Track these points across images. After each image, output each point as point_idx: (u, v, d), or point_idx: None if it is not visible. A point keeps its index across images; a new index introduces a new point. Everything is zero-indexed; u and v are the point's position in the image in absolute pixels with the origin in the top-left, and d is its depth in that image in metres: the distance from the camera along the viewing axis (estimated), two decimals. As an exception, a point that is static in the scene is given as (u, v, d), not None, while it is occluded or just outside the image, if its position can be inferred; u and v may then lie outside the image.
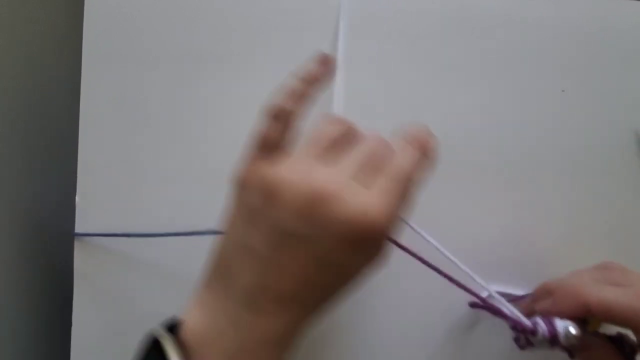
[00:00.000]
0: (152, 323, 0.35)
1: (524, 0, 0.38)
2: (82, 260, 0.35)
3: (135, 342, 0.35)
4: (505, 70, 0.37)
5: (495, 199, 0.36)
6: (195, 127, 0.36)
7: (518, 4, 0.38)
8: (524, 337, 0.29)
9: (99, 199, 0.36)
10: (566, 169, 0.37)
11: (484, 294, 0.30)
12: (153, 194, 0.36)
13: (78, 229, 0.35)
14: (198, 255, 0.35)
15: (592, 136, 0.37)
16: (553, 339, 0.27)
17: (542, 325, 0.28)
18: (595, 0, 0.38)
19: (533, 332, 0.28)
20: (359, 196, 0.21)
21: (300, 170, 0.22)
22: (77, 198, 0.35)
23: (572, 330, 0.27)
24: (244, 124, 0.37)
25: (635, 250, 0.36)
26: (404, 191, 0.22)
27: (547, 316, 0.28)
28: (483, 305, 0.30)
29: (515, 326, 0.29)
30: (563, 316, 0.28)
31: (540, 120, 0.37)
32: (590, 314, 0.28)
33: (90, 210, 0.36)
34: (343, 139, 0.24)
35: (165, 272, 0.35)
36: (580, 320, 0.28)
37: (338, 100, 0.31)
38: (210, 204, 0.36)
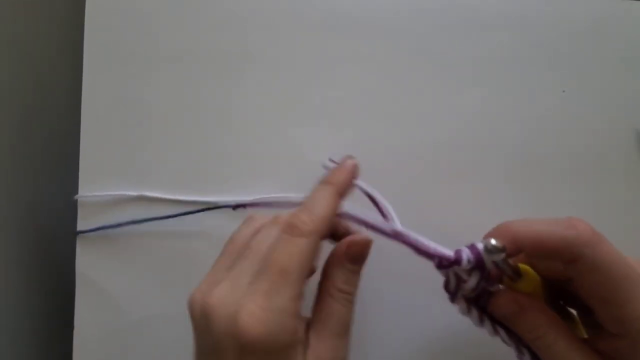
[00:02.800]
0: (155, 323, 0.36)
1: (524, 0, 0.38)
2: (84, 260, 0.35)
3: (137, 341, 0.36)
4: (505, 70, 0.37)
5: (495, 199, 0.37)
6: (198, 128, 0.36)
7: (518, 3, 0.38)
8: (453, 277, 0.25)
9: (101, 199, 0.36)
10: (566, 168, 0.37)
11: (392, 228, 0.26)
12: (155, 194, 0.36)
13: (80, 226, 0.35)
14: (200, 255, 0.36)
15: (592, 136, 0.37)
16: (479, 263, 0.24)
17: (464, 250, 0.25)
18: (595, 0, 0.38)
19: (458, 261, 0.24)
20: (231, 306, 0.22)
21: (203, 288, 0.25)
22: (78, 197, 0.36)
23: (492, 241, 0.23)
24: (246, 124, 0.37)
25: (635, 250, 0.36)
26: (284, 280, 0.23)
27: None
28: (398, 239, 0.26)
29: (440, 261, 0.25)
30: None
31: (540, 120, 0.37)
32: (521, 250, 0.24)
33: (92, 210, 0.36)
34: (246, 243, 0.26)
35: (168, 272, 0.36)
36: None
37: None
38: (213, 204, 0.36)
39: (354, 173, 0.28)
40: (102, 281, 0.35)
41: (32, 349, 0.39)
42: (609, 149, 0.37)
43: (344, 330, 0.25)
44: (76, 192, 0.36)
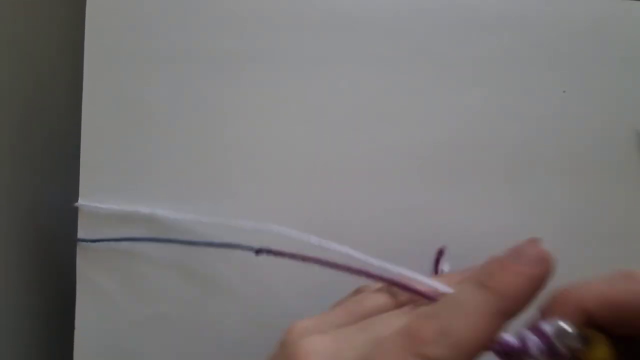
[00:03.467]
0: (155, 323, 0.36)
1: (524, 0, 0.38)
2: (85, 262, 0.35)
3: (137, 341, 0.36)
4: (505, 70, 0.37)
5: (495, 199, 0.37)
6: (200, 128, 0.36)
7: (518, 3, 0.38)
8: None
9: (101, 202, 0.36)
10: (566, 168, 0.37)
11: None
12: (156, 195, 0.36)
13: (80, 233, 0.35)
14: (201, 258, 0.36)
15: (593, 136, 0.37)
16: (550, 348, 0.20)
17: (530, 336, 0.20)
18: (595, 0, 0.38)
19: (524, 349, 0.20)
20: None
21: (308, 325, 0.21)
22: (79, 200, 0.36)
23: (564, 325, 0.19)
24: (246, 124, 0.37)
25: (635, 250, 0.36)
26: None
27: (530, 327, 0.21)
28: None
29: (501, 348, 0.20)
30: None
31: (540, 120, 0.37)
32: (591, 320, 0.20)
33: (93, 214, 0.36)
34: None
35: (168, 272, 0.36)
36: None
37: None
38: (214, 205, 0.36)
39: (541, 286, 0.19)
40: (102, 282, 0.35)
41: (32, 349, 0.39)
42: (609, 149, 0.37)
43: None
44: (76, 192, 0.36)
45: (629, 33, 0.38)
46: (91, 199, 0.36)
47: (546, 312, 0.20)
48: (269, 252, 0.27)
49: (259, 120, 0.37)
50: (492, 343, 0.19)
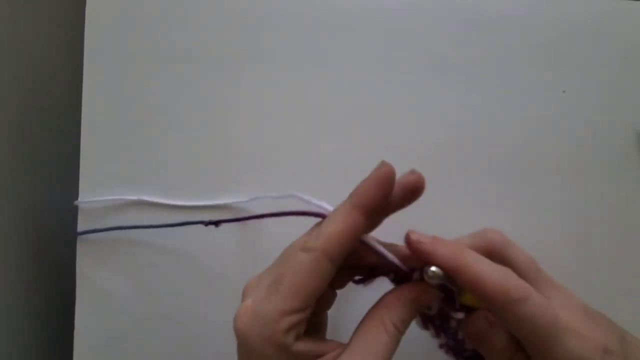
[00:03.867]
0: (155, 323, 0.36)
1: (523, 0, 0.38)
2: (85, 261, 0.35)
3: (138, 341, 0.36)
4: (505, 70, 0.37)
5: (494, 199, 0.37)
6: (199, 127, 0.36)
7: (518, 3, 0.38)
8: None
9: (101, 200, 0.36)
10: (566, 168, 0.37)
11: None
12: (156, 195, 0.36)
13: (80, 229, 0.35)
14: (200, 257, 0.36)
15: (592, 136, 0.37)
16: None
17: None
18: (595, 0, 0.38)
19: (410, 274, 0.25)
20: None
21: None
22: (79, 198, 0.36)
23: (433, 268, 0.24)
24: (246, 124, 0.37)
25: (635, 250, 0.36)
26: (275, 291, 0.23)
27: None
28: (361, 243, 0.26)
29: (396, 272, 0.26)
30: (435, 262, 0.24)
31: (540, 120, 0.37)
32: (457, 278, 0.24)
33: (92, 211, 0.36)
34: None
35: (168, 271, 0.36)
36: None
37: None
38: (214, 203, 0.36)
39: (383, 184, 0.24)
40: (102, 281, 0.35)
41: (32, 349, 0.39)
42: (609, 149, 0.37)
43: None
44: (76, 192, 0.36)
45: (629, 33, 0.38)
46: (91, 198, 0.36)
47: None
48: (218, 222, 0.30)
49: (258, 120, 0.37)
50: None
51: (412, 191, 0.25)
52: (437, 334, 0.28)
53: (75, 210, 0.36)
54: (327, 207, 0.26)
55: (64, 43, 0.45)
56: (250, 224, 0.36)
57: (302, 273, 0.23)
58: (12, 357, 0.36)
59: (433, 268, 0.24)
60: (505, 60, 0.37)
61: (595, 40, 0.38)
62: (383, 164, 0.24)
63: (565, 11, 0.38)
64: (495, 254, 0.28)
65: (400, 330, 0.24)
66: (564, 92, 0.37)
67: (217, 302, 0.35)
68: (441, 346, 0.29)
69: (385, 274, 0.27)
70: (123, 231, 0.35)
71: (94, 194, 0.36)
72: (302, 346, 0.24)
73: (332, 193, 0.36)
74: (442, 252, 0.24)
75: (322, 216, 0.26)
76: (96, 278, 0.35)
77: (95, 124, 0.36)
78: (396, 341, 0.24)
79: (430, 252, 0.24)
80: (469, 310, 0.26)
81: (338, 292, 0.29)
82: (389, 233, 0.27)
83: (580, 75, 0.37)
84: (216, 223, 0.32)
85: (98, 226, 0.35)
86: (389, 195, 0.24)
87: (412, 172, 0.25)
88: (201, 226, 0.35)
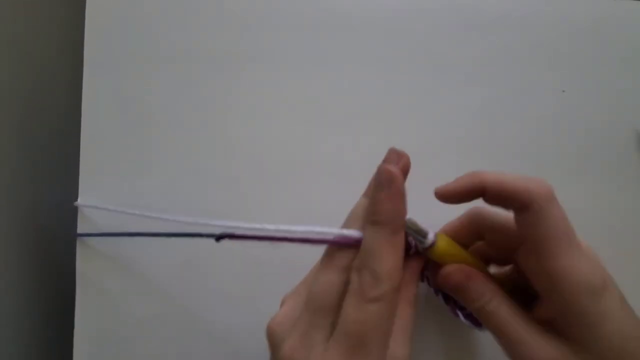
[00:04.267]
0: (155, 323, 0.36)
1: (523, 0, 0.38)
2: (85, 262, 0.35)
3: (138, 341, 0.36)
4: (505, 70, 0.37)
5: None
6: (199, 127, 0.36)
7: (518, 3, 0.38)
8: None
9: (101, 200, 0.36)
10: (566, 168, 0.37)
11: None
12: (156, 195, 0.36)
13: (80, 230, 0.35)
14: (200, 256, 0.36)
15: (592, 136, 0.37)
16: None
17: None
18: (595, 0, 0.38)
19: None
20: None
21: (281, 321, 0.25)
22: (79, 199, 0.36)
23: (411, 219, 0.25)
24: (246, 124, 0.37)
25: (635, 250, 0.36)
26: (360, 349, 0.22)
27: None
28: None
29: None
30: (457, 194, 0.26)
31: (540, 120, 0.37)
32: (483, 192, 0.25)
33: (92, 212, 0.36)
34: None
35: (168, 271, 0.36)
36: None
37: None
38: (214, 204, 0.36)
39: (403, 196, 0.24)
40: (102, 281, 0.35)
41: (32, 349, 0.39)
42: (609, 149, 0.37)
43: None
44: (76, 192, 0.36)
45: (629, 33, 0.38)
46: (91, 198, 0.36)
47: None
48: (231, 236, 0.27)
49: (258, 120, 0.37)
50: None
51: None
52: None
53: (75, 209, 0.36)
54: (348, 232, 0.25)
55: (64, 43, 0.45)
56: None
57: (385, 325, 0.22)
58: (12, 357, 0.36)
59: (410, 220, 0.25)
60: (505, 60, 0.37)
61: (595, 40, 0.38)
62: (394, 176, 0.24)
63: (565, 11, 0.38)
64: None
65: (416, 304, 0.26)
66: (564, 92, 0.37)
67: (217, 302, 0.35)
68: (436, 292, 0.30)
69: None
70: (123, 230, 0.35)
71: (94, 193, 0.36)
72: None
73: (332, 193, 0.36)
74: (459, 184, 0.25)
75: (343, 243, 0.25)
76: (96, 278, 0.35)
77: (95, 124, 0.36)
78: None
79: (452, 189, 0.26)
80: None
81: None
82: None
83: (580, 75, 0.37)
84: (230, 237, 0.28)
85: (98, 226, 0.35)
86: (404, 200, 0.25)
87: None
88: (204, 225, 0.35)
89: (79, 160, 0.36)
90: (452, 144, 0.37)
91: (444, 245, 0.27)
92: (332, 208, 0.27)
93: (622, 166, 0.37)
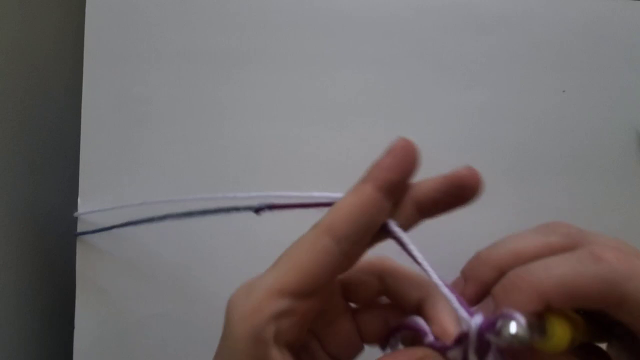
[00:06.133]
0: (155, 323, 0.36)
1: (524, 0, 0.38)
2: (84, 260, 0.35)
3: (137, 341, 0.36)
4: (505, 70, 0.37)
5: (495, 200, 0.36)
6: (198, 126, 0.36)
7: (518, 3, 0.38)
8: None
9: (101, 200, 0.36)
10: (566, 169, 0.37)
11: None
12: (155, 193, 0.36)
13: (80, 229, 0.35)
14: (200, 255, 0.36)
15: (592, 136, 0.37)
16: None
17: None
18: (595, 0, 0.38)
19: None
20: None
21: None
22: (78, 199, 0.36)
23: (514, 328, 0.16)
24: (246, 124, 0.37)
25: (635, 250, 0.36)
26: (273, 267, 0.20)
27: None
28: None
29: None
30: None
31: (540, 120, 0.37)
32: (551, 307, 0.17)
33: (92, 212, 0.36)
34: None
35: (168, 271, 0.36)
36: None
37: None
38: (214, 202, 0.36)
39: (397, 153, 0.21)
40: (102, 281, 0.35)
41: (32, 349, 0.39)
42: (609, 149, 0.37)
43: None
44: (76, 191, 0.36)
45: (629, 33, 0.38)
46: (91, 198, 0.36)
47: (499, 297, 0.18)
48: (270, 207, 0.26)
49: (258, 120, 0.37)
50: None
51: (459, 186, 0.21)
52: None
53: (75, 210, 0.36)
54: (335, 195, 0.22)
55: (64, 43, 0.45)
56: (250, 227, 0.36)
57: (302, 251, 0.19)
58: (12, 357, 0.36)
59: (515, 328, 0.16)
60: (506, 60, 0.37)
61: (595, 40, 0.38)
62: (399, 139, 0.21)
63: (565, 11, 0.38)
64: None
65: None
66: (564, 92, 0.37)
67: (217, 302, 0.35)
68: None
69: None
70: (123, 231, 0.35)
71: (94, 194, 0.36)
72: (275, 355, 0.18)
73: (331, 191, 0.36)
74: (518, 301, 0.17)
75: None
76: (96, 276, 0.35)
77: (95, 124, 0.36)
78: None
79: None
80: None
81: None
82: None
83: (580, 75, 0.37)
84: (270, 207, 0.26)
85: (98, 226, 0.35)
86: (407, 168, 0.21)
87: (466, 166, 0.22)
88: (200, 227, 0.35)
89: (78, 160, 0.36)
90: (452, 144, 0.37)
91: (559, 340, 0.17)
92: (271, 192, 0.27)
93: (622, 166, 0.37)
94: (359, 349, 0.23)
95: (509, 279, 0.18)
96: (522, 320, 0.16)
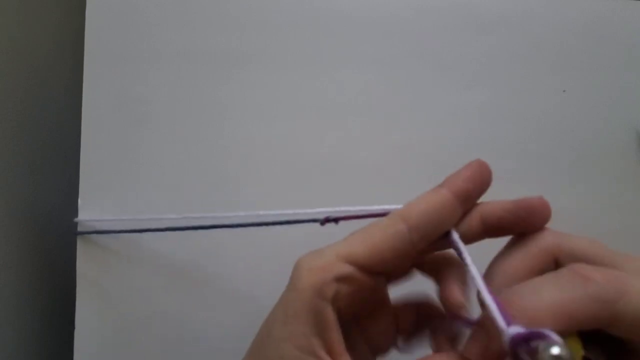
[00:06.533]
0: (155, 322, 0.36)
1: (524, 0, 0.38)
2: (84, 260, 0.35)
3: (139, 340, 0.36)
4: (505, 70, 0.37)
5: (494, 199, 0.36)
6: (198, 126, 0.36)
7: (518, 3, 0.38)
8: None
9: (101, 200, 0.36)
10: (566, 168, 0.37)
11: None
12: (156, 194, 0.36)
13: (80, 228, 0.35)
14: (199, 257, 0.36)
15: (592, 136, 0.37)
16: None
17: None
18: (595, 0, 0.38)
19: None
20: None
21: None
22: (79, 199, 0.36)
23: (557, 350, 0.16)
24: (246, 124, 0.37)
25: (635, 250, 0.36)
26: (342, 244, 0.21)
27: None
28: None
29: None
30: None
31: (540, 120, 0.37)
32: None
33: (93, 210, 0.36)
34: None
35: (168, 270, 0.36)
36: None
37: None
38: (214, 203, 0.36)
39: (474, 168, 0.23)
40: (102, 281, 0.35)
41: (32, 349, 0.39)
42: (609, 149, 0.37)
43: None
44: (76, 191, 0.36)
45: (629, 33, 0.38)
46: (91, 198, 0.36)
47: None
48: (335, 219, 0.27)
49: (258, 120, 0.37)
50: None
51: (529, 212, 0.22)
52: None
53: (75, 209, 0.36)
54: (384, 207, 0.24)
55: (64, 43, 0.45)
56: (249, 228, 0.36)
57: (377, 228, 0.21)
58: (12, 357, 0.36)
59: (556, 350, 0.16)
60: (506, 60, 0.37)
61: (595, 40, 0.38)
62: (477, 161, 0.23)
63: (565, 11, 0.38)
64: (560, 257, 0.22)
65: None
66: (564, 92, 0.37)
67: (217, 302, 0.35)
68: None
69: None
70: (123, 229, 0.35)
71: (94, 194, 0.36)
72: (333, 325, 0.20)
73: (332, 192, 0.36)
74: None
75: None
76: (96, 276, 0.35)
77: (95, 124, 0.36)
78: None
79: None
80: None
81: None
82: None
83: (580, 75, 0.37)
84: (335, 220, 0.27)
85: (98, 224, 0.35)
86: (482, 182, 0.23)
87: (538, 197, 0.23)
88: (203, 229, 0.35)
89: (78, 160, 0.36)
90: (452, 144, 0.37)
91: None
92: (331, 207, 0.27)
93: (622, 166, 0.37)
94: (394, 341, 0.24)
95: (516, 299, 0.18)
96: (561, 341, 0.16)
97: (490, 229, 0.23)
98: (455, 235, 0.22)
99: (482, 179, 0.23)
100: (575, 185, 0.37)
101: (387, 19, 0.37)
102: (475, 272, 0.20)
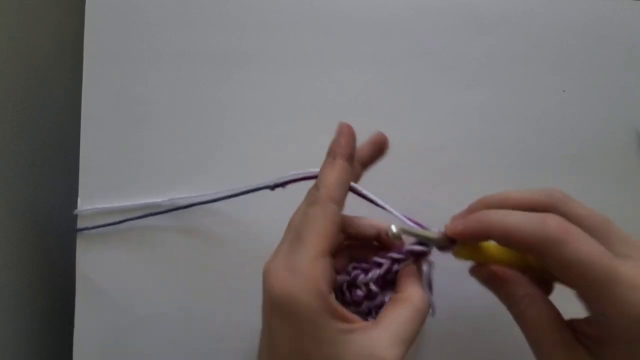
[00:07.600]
0: (155, 322, 0.36)
1: (524, 0, 0.38)
2: (84, 260, 0.35)
3: (137, 340, 0.36)
4: (505, 70, 0.37)
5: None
6: (198, 126, 0.36)
7: (518, 3, 0.38)
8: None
9: (101, 200, 0.36)
10: (566, 168, 0.37)
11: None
12: (155, 193, 0.36)
13: (80, 222, 0.35)
14: (200, 254, 0.36)
15: (592, 136, 0.37)
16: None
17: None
18: (595, 0, 0.38)
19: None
20: (266, 267, 0.26)
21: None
22: (78, 199, 0.36)
23: (393, 229, 0.25)
24: (246, 124, 0.37)
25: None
26: (299, 242, 0.25)
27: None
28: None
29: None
30: (465, 236, 0.26)
31: (540, 120, 0.37)
32: (490, 238, 0.25)
33: (92, 209, 0.36)
34: None
35: (168, 272, 0.36)
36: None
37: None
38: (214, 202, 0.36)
39: (347, 133, 0.28)
40: (102, 281, 0.35)
41: (32, 349, 0.39)
42: (609, 149, 0.37)
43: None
44: (76, 191, 0.36)
45: (629, 33, 0.38)
46: (91, 198, 0.36)
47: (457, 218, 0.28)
48: (284, 183, 0.31)
49: (258, 120, 0.37)
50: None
51: (379, 146, 0.30)
52: None
53: (75, 208, 0.36)
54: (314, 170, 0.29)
55: (64, 43, 0.45)
56: (250, 227, 0.36)
57: (318, 220, 0.25)
58: (12, 357, 0.36)
59: (393, 228, 0.25)
60: (506, 60, 0.37)
61: (595, 40, 0.38)
62: (341, 123, 0.28)
63: (565, 11, 0.38)
64: (557, 211, 0.26)
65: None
66: (564, 92, 0.37)
67: (217, 301, 0.35)
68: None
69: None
70: (123, 231, 0.35)
71: (94, 194, 0.36)
72: (334, 300, 0.24)
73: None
74: (468, 227, 0.25)
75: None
76: (96, 276, 0.35)
77: (95, 124, 0.36)
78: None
79: (460, 232, 0.26)
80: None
81: None
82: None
83: (580, 75, 0.37)
84: (282, 185, 0.32)
85: (98, 223, 0.35)
86: (354, 143, 0.28)
87: (378, 132, 0.30)
88: (202, 228, 0.35)
89: (78, 159, 0.36)
90: (452, 144, 0.37)
91: (465, 254, 0.27)
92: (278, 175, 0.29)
93: (622, 166, 0.37)
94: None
95: (479, 212, 0.26)
96: (398, 225, 0.25)
97: (366, 166, 0.30)
98: (353, 185, 0.28)
99: (353, 140, 0.28)
100: (575, 185, 0.37)
101: (387, 19, 0.37)
102: (381, 202, 0.28)
